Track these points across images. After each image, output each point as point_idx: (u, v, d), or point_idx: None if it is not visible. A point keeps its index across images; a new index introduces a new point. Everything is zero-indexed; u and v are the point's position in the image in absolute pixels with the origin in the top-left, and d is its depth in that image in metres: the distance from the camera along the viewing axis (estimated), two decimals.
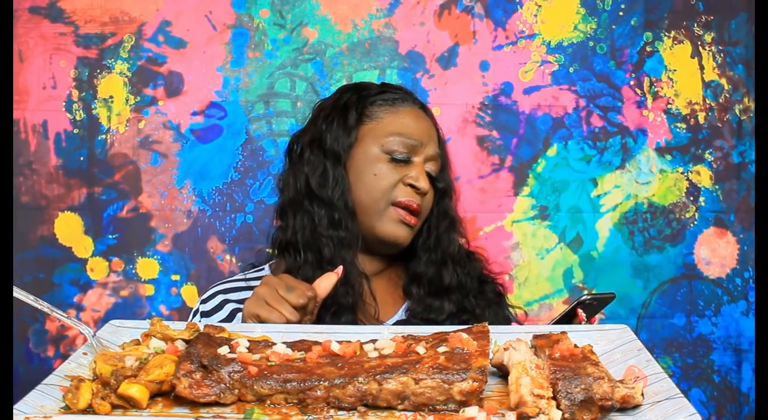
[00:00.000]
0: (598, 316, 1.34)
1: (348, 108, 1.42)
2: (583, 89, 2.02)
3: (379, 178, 1.38)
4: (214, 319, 1.38)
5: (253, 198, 1.98)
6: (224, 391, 0.91)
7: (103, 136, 1.96)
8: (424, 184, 1.38)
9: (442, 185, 1.46)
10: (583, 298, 1.30)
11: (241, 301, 1.41)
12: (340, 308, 1.32)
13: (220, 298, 1.42)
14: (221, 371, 0.91)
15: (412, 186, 1.38)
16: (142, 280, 1.97)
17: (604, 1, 2.01)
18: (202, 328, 1.04)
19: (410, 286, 1.46)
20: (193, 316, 1.42)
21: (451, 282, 1.43)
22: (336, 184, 1.38)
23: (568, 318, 1.32)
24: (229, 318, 1.38)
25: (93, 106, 1.96)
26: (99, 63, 1.96)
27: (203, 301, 1.42)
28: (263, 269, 1.49)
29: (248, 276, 1.48)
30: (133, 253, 1.97)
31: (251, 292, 1.43)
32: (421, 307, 1.42)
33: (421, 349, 0.96)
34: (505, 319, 1.50)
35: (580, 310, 1.29)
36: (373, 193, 1.38)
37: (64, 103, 1.96)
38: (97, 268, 1.97)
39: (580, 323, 1.30)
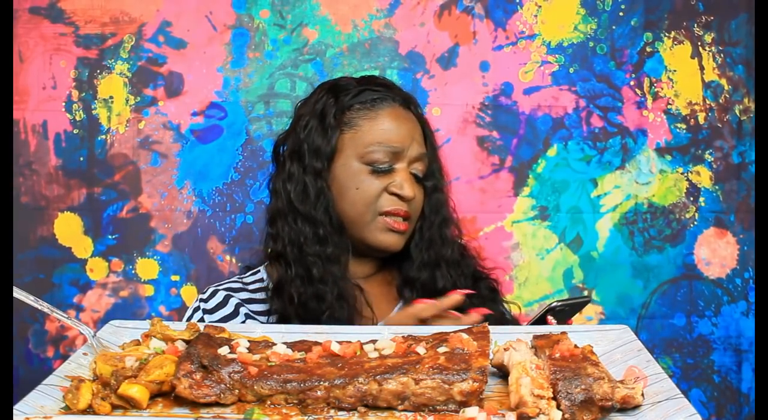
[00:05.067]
0: (574, 319, 1.32)
1: (325, 115, 1.37)
2: (583, 90, 2.02)
3: (361, 191, 1.35)
4: (218, 315, 1.37)
5: (253, 198, 1.98)
6: (224, 392, 0.91)
7: (103, 137, 1.96)
8: (408, 191, 1.35)
9: (431, 183, 1.43)
10: (553, 305, 1.27)
11: (244, 301, 1.41)
12: (336, 323, 1.29)
13: (222, 294, 1.41)
14: (221, 371, 0.91)
15: (396, 194, 1.35)
16: (142, 280, 1.97)
17: (604, 1, 2.02)
18: (202, 329, 1.04)
19: (403, 288, 1.43)
20: (193, 314, 1.41)
21: (445, 285, 1.40)
22: (318, 199, 1.35)
23: (539, 324, 1.29)
24: (235, 312, 1.38)
25: (93, 107, 1.96)
26: (99, 63, 1.96)
27: (204, 300, 1.41)
28: (258, 272, 1.48)
29: (245, 280, 1.47)
30: (132, 253, 1.97)
31: (250, 293, 1.43)
32: None
33: (421, 349, 0.96)
34: (500, 315, 1.48)
35: (549, 317, 1.27)
36: (357, 206, 1.36)
37: (64, 104, 1.96)
38: (97, 269, 1.97)
39: None
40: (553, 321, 1.25)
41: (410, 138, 1.38)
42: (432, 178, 1.43)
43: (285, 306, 1.35)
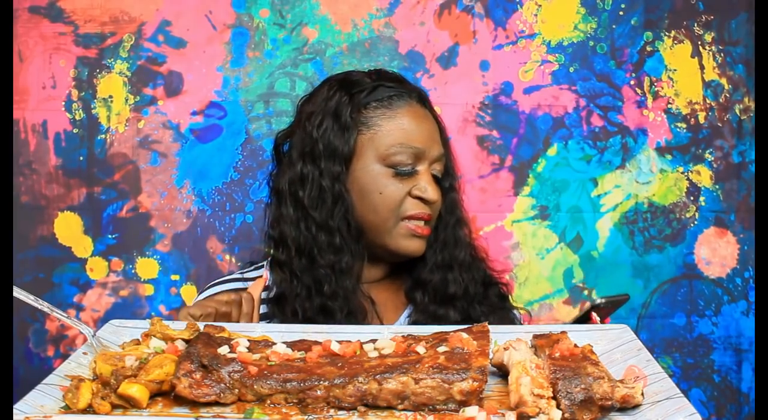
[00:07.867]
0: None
1: (340, 114, 1.31)
2: (583, 89, 2.02)
3: (385, 196, 1.30)
4: None
5: (252, 198, 1.98)
6: (224, 391, 0.91)
7: (103, 136, 1.96)
8: (432, 194, 1.31)
9: (448, 183, 1.40)
10: (598, 302, 1.27)
11: None
12: None
13: None
14: (221, 371, 0.91)
15: (420, 198, 1.31)
16: (142, 280, 1.97)
17: (604, 0, 2.01)
18: (202, 328, 1.04)
19: (413, 292, 1.39)
20: None
21: (457, 290, 1.37)
22: (335, 205, 1.30)
23: (582, 322, 1.30)
24: None
25: (93, 106, 1.96)
26: (99, 63, 1.96)
27: None
28: (262, 266, 1.46)
29: (246, 275, 1.45)
30: (132, 253, 1.97)
31: None
32: (425, 315, 1.36)
33: (421, 348, 0.96)
34: (510, 323, 1.44)
35: (594, 314, 1.27)
36: (381, 212, 1.30)
37: (63, 103, 1.96)
38: (97, 268, 1.97)
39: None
40: (597, 319, 1.26)
41: (430, 138, 1.33)
42: (448, 178, 1.40)
43: (286, 319, 1.31)
